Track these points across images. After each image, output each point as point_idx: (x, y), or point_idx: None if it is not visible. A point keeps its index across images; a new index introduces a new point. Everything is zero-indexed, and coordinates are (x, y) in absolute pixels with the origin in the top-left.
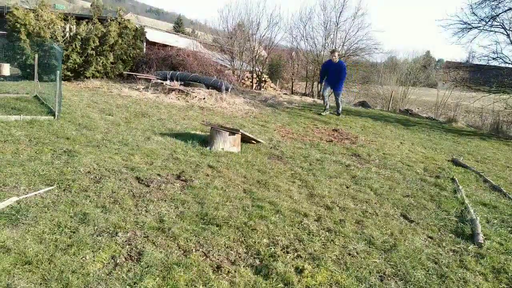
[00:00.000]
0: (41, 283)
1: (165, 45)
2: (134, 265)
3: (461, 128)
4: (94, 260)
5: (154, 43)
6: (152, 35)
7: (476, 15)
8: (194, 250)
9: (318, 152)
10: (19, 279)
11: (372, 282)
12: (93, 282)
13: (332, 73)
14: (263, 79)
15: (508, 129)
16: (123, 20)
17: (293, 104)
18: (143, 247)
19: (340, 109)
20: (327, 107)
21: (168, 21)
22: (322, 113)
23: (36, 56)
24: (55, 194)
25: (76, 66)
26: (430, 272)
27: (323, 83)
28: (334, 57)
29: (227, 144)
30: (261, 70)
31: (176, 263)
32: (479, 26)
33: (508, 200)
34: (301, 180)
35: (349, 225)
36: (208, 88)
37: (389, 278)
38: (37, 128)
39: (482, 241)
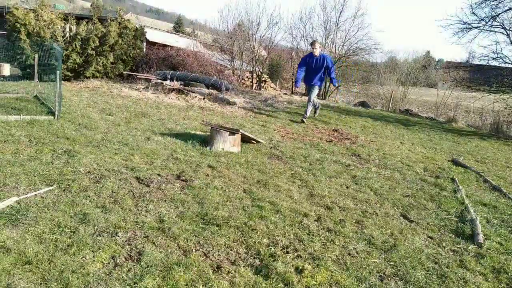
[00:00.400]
0: (41, 283)
1: (165, 45)
2: (134, 265)
3: (461, 128)
4: (94, 260)
5: (154, 43)
6: (152, 35)
7: (476, 15)
8: (194, 250)
9: (318, 152)
10: (19, 279)
11: (372, 282)
12: (93, 282)
13: (311, 69)
14: (263, 79)
15: (508, 129)
16: (123, 20)
17: (293, 104)
18: (143, 247)
19: (308, 113)
20: (317, 106)
21: (168, 21)
22: (313, 115)
23: (36, 56)
24: (55, 194)
25: (76, 66)
26: (430, 272)
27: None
28: (314, 50)
29: (227, 144)
30: (261, 70)
31: (176, 263)
32: (479, 26)
33: (508, 200)
34: (301, 180)
35: (349, 225)
36: (208, 88)
37: (389, 278)
38: (37, 128)
39: (482, 241)
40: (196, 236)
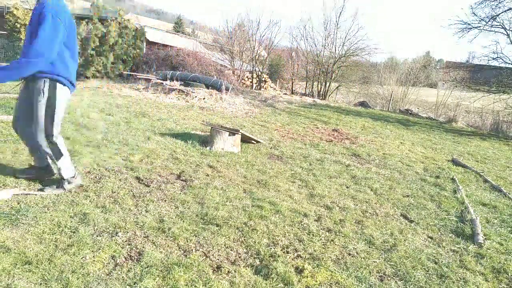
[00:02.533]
0: (41, 283)
1: (165, 45)
2: (134, 265)
3: (461, 128)
4: (94, 260)
5: (154, 43)
6: (152, 35)
7: (476, 15)
8: (194, 250)
9: (318, 152)
10: (19, 279)
11: (372, 282)
12: (93, 282)
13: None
14: (263, 79)
15: (508, 129)
16: (123, 20)
17: (293, 104)
18: (143, 247)
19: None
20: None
21: (168, 21)
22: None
23: None
24: (55, 194)
25: None
26: (430, 272)
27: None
28: None
29: (227, 144)
30: (261, 70)
31: (176, 263)
32: (479, 26)
33: (508, 200)
34: (301, 180)
35: (349, 225)
36: (208, 88)
37: (389, 278)
38: None
39: (482, 241)
40: (196, 236)
